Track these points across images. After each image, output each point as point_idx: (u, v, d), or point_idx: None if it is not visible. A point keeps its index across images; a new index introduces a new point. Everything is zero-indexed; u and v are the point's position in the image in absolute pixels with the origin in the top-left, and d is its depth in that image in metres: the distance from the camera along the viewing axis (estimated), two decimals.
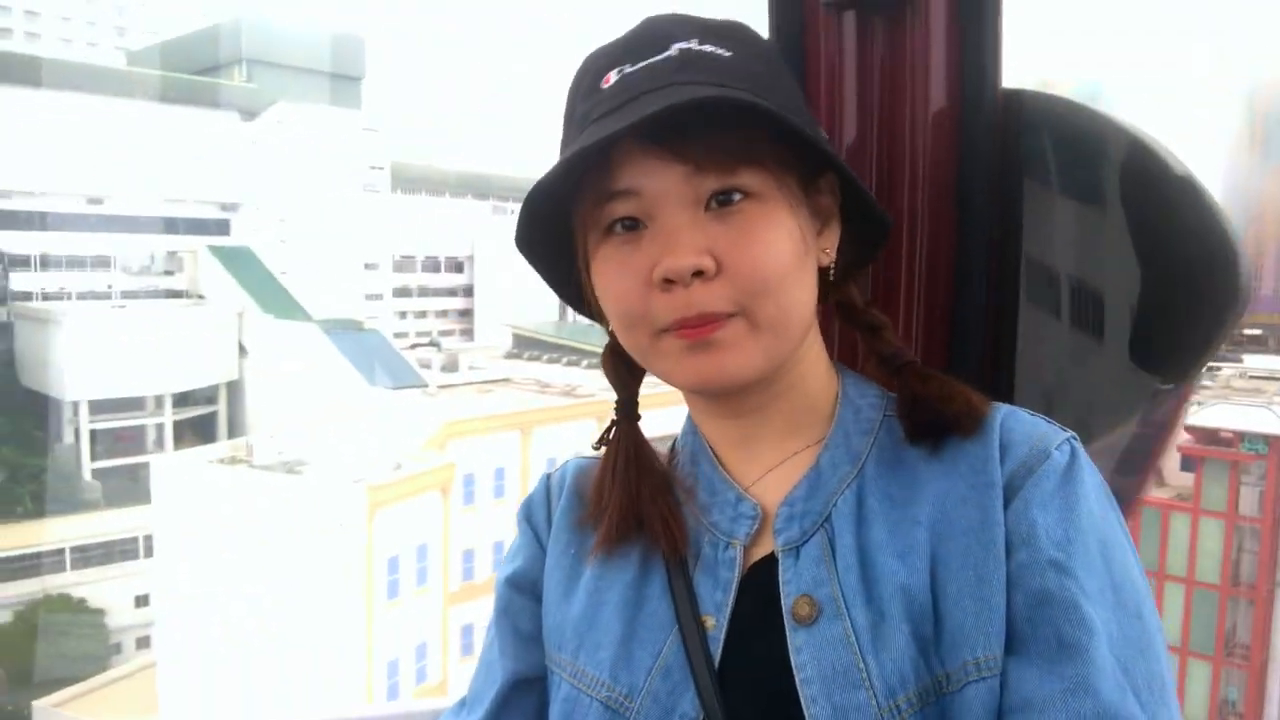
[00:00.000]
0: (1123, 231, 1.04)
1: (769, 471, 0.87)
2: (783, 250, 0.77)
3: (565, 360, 51.46)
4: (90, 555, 36.84)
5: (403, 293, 66.07)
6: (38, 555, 36.41)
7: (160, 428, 48.33)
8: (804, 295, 0.80)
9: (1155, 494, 27.58)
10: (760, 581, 0.82)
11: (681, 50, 0.77)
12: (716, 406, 0.88)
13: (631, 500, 0.88)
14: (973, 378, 0.99)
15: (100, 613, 35.72)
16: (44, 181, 48.87)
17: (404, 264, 65.61)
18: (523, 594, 0.95)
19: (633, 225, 0.78)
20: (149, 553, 37.62)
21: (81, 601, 35.58)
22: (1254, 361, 58.68)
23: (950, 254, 1.07)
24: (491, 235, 67.86)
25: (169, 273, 53.75)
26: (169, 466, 27.16)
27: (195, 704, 25.69)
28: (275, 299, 50.58)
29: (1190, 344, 1.02)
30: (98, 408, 45.74)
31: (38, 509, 40.65)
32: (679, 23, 0.80)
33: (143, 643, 36.82)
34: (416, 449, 27.98)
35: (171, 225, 53.74)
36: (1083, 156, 1.06)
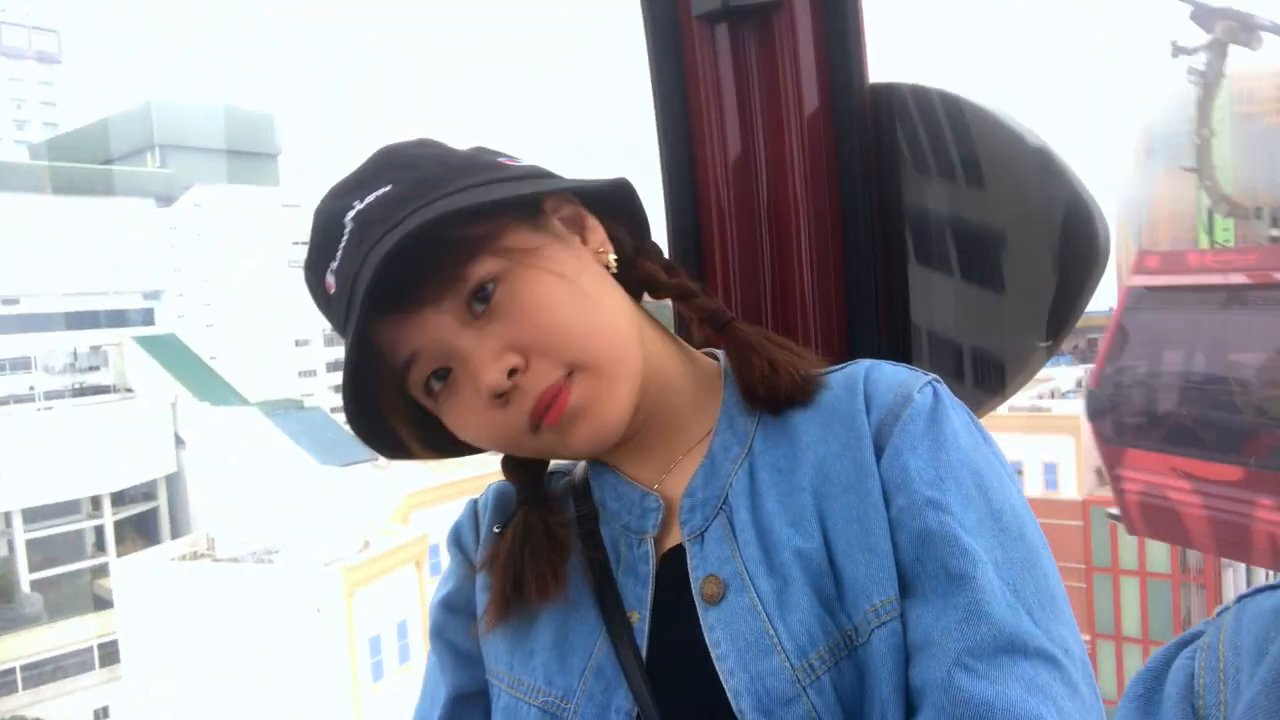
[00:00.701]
0: (990, 204, 1.12)
1: (669, 469, 0.89)
2: (560, 297, 0.79)
3: None
4: (42, 672, 35.19)
5: (336, 367, 65.26)
6: None
7: (100, 529, 46.60)
8: (615, 317, 0.82)
9: (1105, 492, 28.84)
10: (674, 572, 0.85)
11: (353, 217, 0.79)
12: None
13: (517, 577, 0.89)
14: (870, 354, 1.07)
15: None
16: None
17: (334, 338, 64.82)
18: (457, 614, 0.97)
19: (443, 374, 0.80)
20: (104, 662, 36.25)
21: None
22: None
23: (838, 241, 1.14)
24: None
25: (94, 368, 52.19)
26: (129, 570, 26.33)
27: None
28: (208, 385, 49.49)
29: (1060, 301, 1.08)
30: (31, 515, 43.93)
31: None
32: (336, 197, 0.82)
33: None
34: (382, 524, 27.75)
35: (92, 319, 52.32)
36: (950, 139, 1.12)
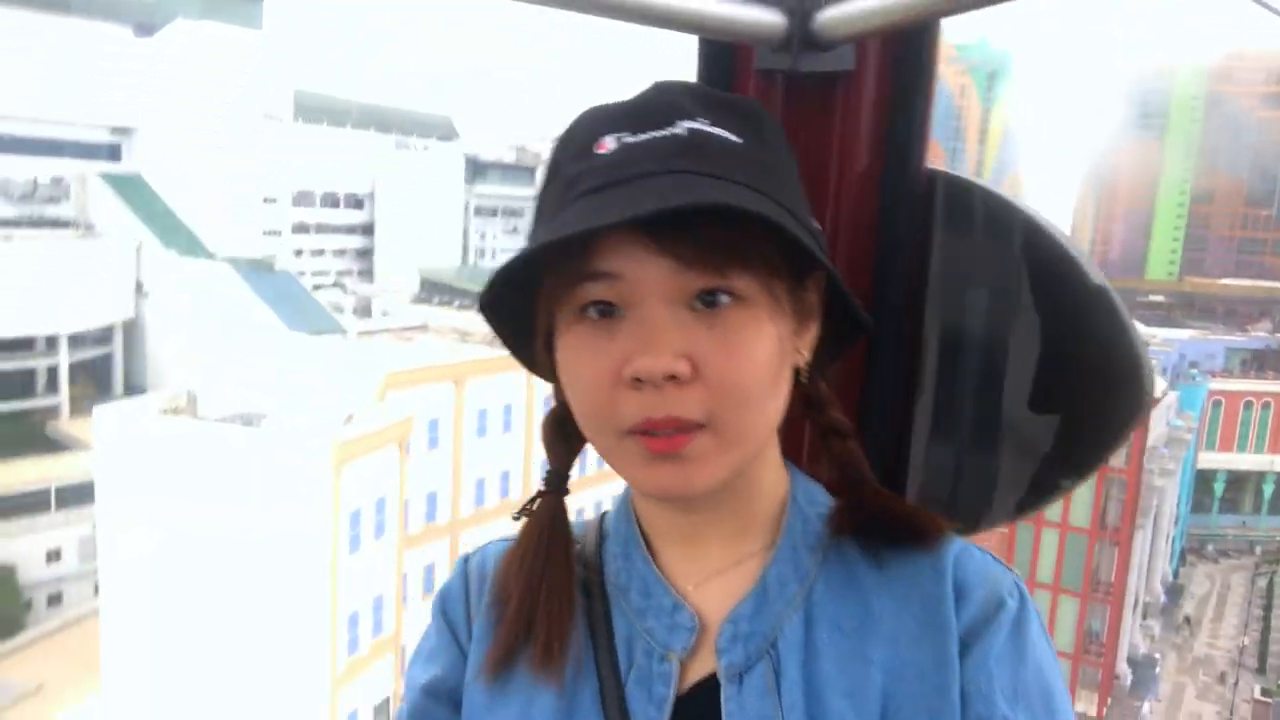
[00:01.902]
0: (1034, 333, 1.05)
1: (711, 577, 0.83)
2: (763, 361, 0.74)
3: (477, 307, 51.50)
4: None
5: (300, 229, 64.00)
6: None
7: (53, 370, 45.90)
8: (776, 405, 0.78)
9: None
10: (699, 702, 0.79)
11: (689, 130, 0.74)
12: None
13: (528, 601, 0.83)
14: (878, 452, 1.03)
15: (10, 569, 34.29)
16: None
17: (302, 199, 63.46)
18: (440, 704, 0.88)
19: (608, 310, 0.73)
20: (60, 505, 36.32)
21: None
22: None
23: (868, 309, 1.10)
24: (393, 172, 66.29)
25: (54, 200, 50.44)
26: (111, 417, 26.34)
27: (145, 664, 25.50)
28: (174, 233, 48.36)
29: (1091, 448, 1.03)
30: None
31: None
32: (690, 95, 0.77)
33: (54, 599, 35.67)
34: (367, 401, 28.07)
35: (56, 148, 50.27)
36: (999, 251, 1.06)
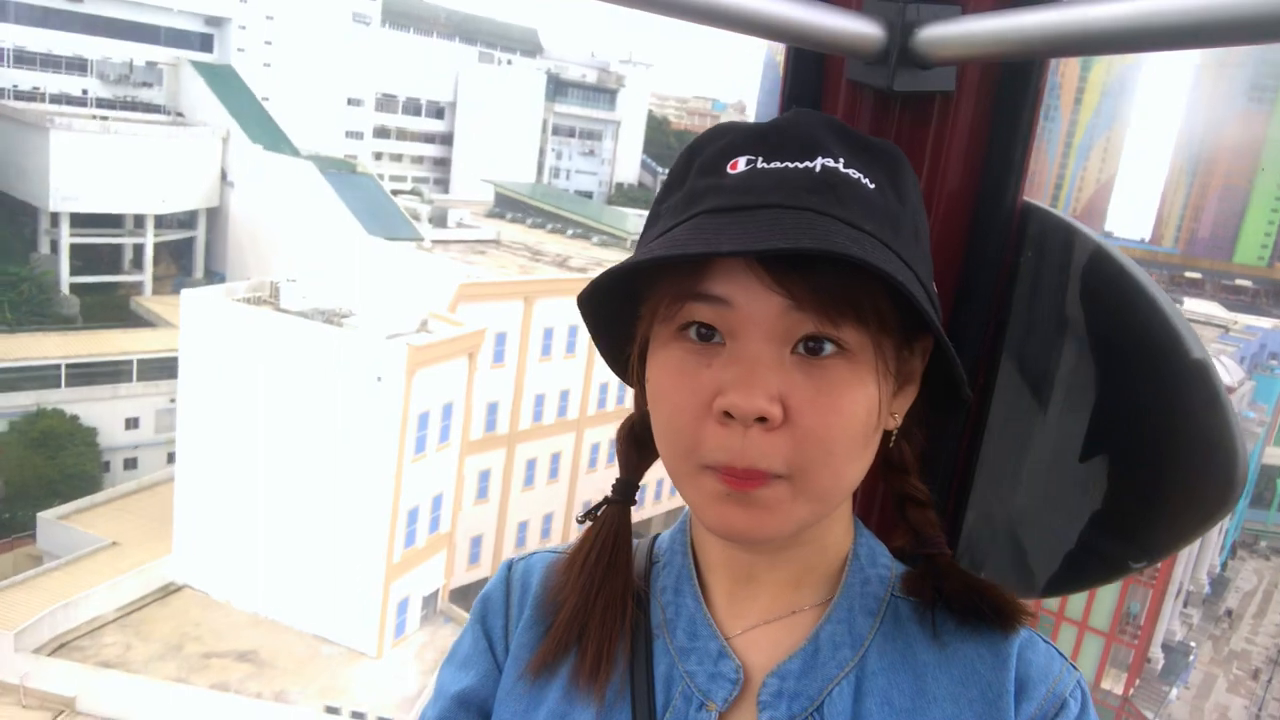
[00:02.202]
0: (1121, 399, 0.97)
1: (760, 625, 0.80)
2: (857, 419, 0.71)
3: (549, 226, 51.72)
4: (83, 374, 36.84)
5: (381, 134, 64.52)
6: (33, 369, 36.24)
7: (139, 248, 47.42)
8: (861, 466, 0.75)
9: None
10: None
11: (824, 168, 0.71)
12: None
13: (583, 606, 0.82)
14: (934, 494, 1.00)
15: (93, 431, 36.10)
16: None
17: (385, 103, 63.83)
18: (470, 714, 0.87)
19: (708, 335, 0.71)
20: (141, 376, 37.90)
21: (75, 419, 35.86)
22: (1191, 305, 62.16)
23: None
24: (476, 83, 66.20)
25: (147, 84, 51.46)
26: (196, 299, 27.32)
27: (213, 532, 26.84)
28: (261, 126, 49.10)
29: (1172, 532, 0.96)
30: (77, 221, 44.59)
31: (16, 319, 40.14)
32: (828, 129, 0.75)
33: (129, 464, 37.52)
34: (440, 309, 28.69)
35: (152, 34, 51.12)
36: (1090, 303, 0.99)
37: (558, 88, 71.27)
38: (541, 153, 71.36)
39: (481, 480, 32.68)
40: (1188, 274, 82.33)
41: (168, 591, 27.61)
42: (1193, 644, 44.11)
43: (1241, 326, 55.29)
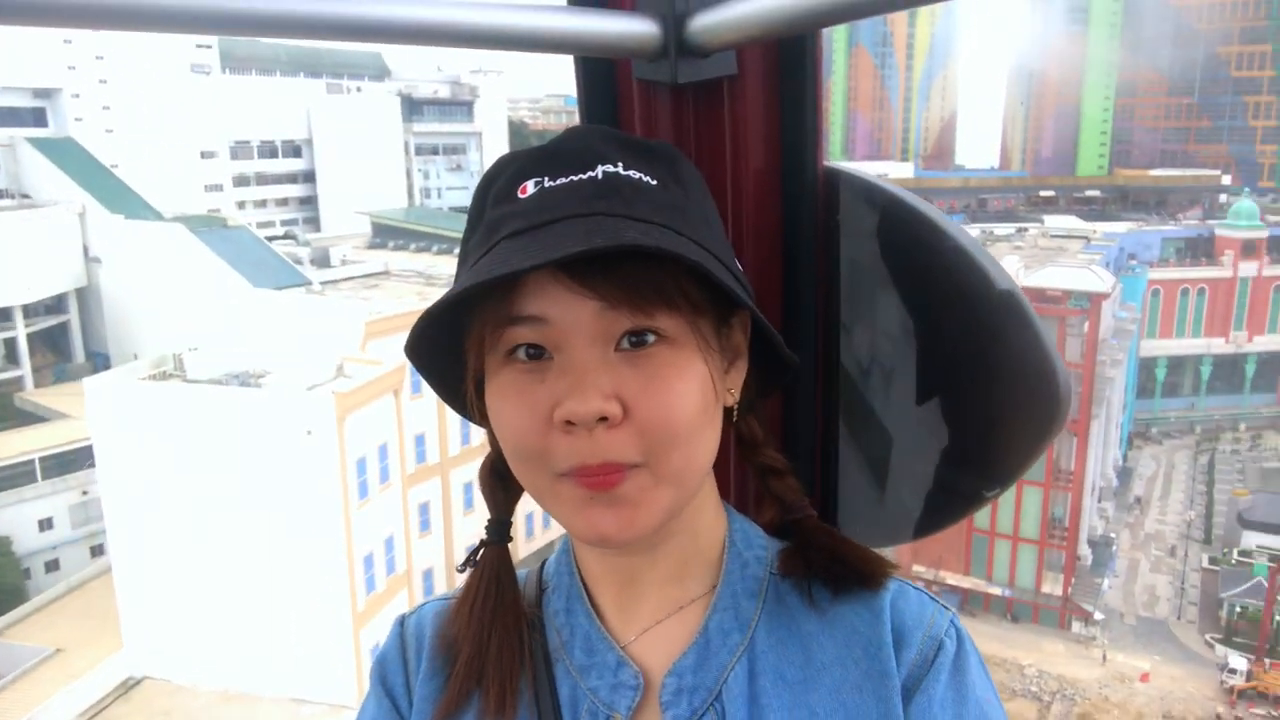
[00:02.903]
0: (943, 341, 1.01)
1: (652, 626, 0.82)
2: (693, 399, 0.73)
3: (435, 248, 51.21)
4: None
5: (241, 181, 62.49)
6: None
7: (11, 342, 44.81)
8: (710, 443, 0.77)
9: None
10: None
11: (606, 174, 0.74)
12: None
13: (479, 650, 0.83)
14: (806, 470, 1.06)
15: (7, 540, 34.15)
16: None
17: (240, 150, 61.82)
18: None
19: (536, 354, 0.73)
20: (45, 474, 36.02)
21: None
22: (1052, 221, 65.87)
23: (777, 323, 1.06)
24: (328, 115, 64.79)
25: None
26: (100, 386, 26.22)
27: (163, 620, 25.91)
28: (119, 196, 47.00)
29: (1012, 456, 0.98)
30: None
31: None
32: (605, 139, 0.78)
33: (51, 565, 35.66)
34: (350, 350, 28.31)
35: None
36: (902, 254, 1.02)
37: (412, 107, 70.40)
38: (409, 175, 70.40)
39: (422, 513, 32.39)
40: (1041, 193, 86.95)
41: (128, 687, 26.61)
42: (1113, 535, 47.13)
43: (1100, 234, 58.86)
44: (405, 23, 0.74)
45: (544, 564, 0.90)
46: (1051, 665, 37.44)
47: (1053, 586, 40.72)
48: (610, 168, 0.75)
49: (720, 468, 0.85)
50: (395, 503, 26.97)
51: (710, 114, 1.02)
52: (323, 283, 40.64)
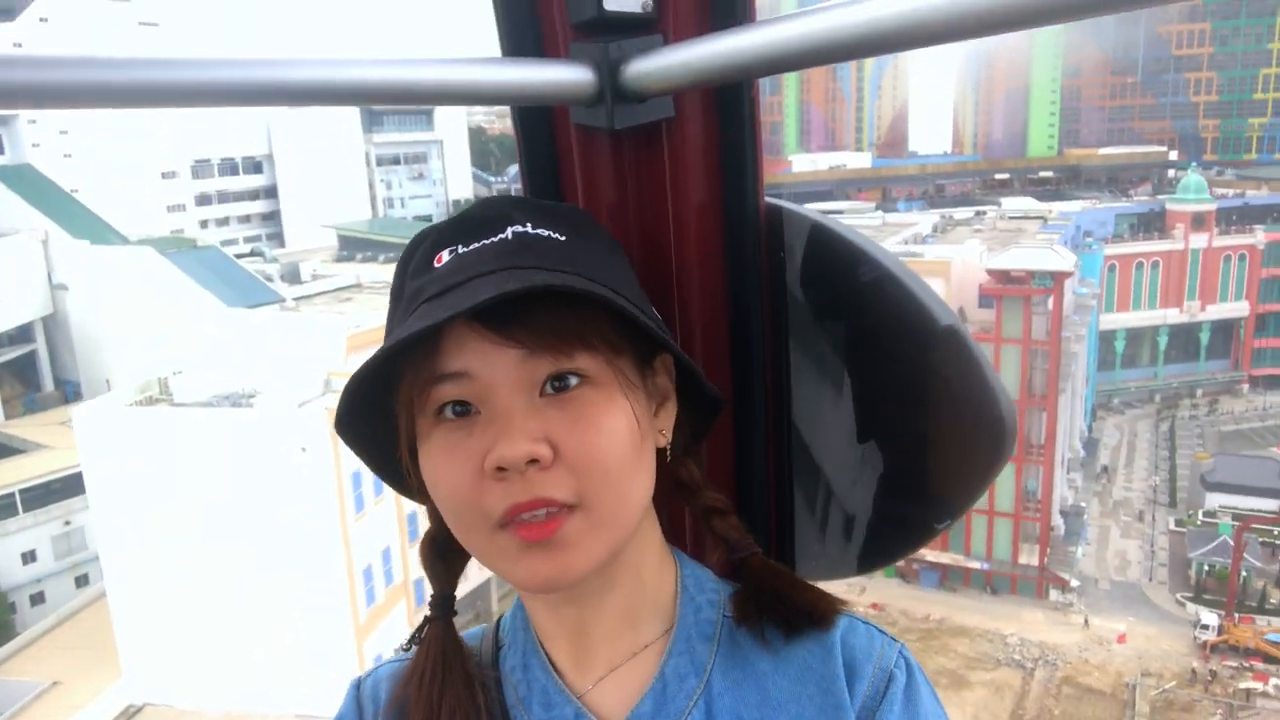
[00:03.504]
0: (890, 374, 1.02)
1: (608, 674, 0.83)
2: (621, 436, 0.74)
3: None
4: None
5: (203, 200, 61.98)
6: None
7: None
8: (643, 481, 0.78)
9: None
10: None
11: (516, 234, 0.77)
12: (551, 594, 0.82)
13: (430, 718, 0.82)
14: (758, 500, 1.08)
15: None
16: None
17: (201, 169, 61.32)
18: None
19: (463, 410, 0.74)
20: (28, 506, 35.70)
21: None
22: (1009, 204, 67.17)
23: (727, 376, 1.07)
24: (288, 129, 64.46)
25: None
26: (88, 414, 26.18)
27: (161, 647, 25.95)
28: (82, 221, 46.52)
29: (961, 488, 1.00)
30: None
31: None
32: (514, 205, 0.81)
33: (37, 599, 35.35)
34: (334, 366, 28.47)
35: None
36: (848, 291, 1.02)
37: (372, 118, 70.19)
38: (371, 186, 70.19)
39: (410, 523, 32.62)
40: (996, 176, 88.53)
41: (129, 716, 26.59)
42: (1083, 505, 48.41)
43: (1056, 214, 60.25)
44: (347, 84, 0.76)
45: (500, 621, 0.92)
46: (1032, 633, 38.51)
47: (1029, 558, 41.83)
48: (519, 228, 0.78)
49: (668, 512, 0.89)
50: (390, 514, 27.22)
51: (649, 157, 1.02)
52: (296, 298, 40.60)
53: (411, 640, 0.88)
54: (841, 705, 0.79)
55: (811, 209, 1.07)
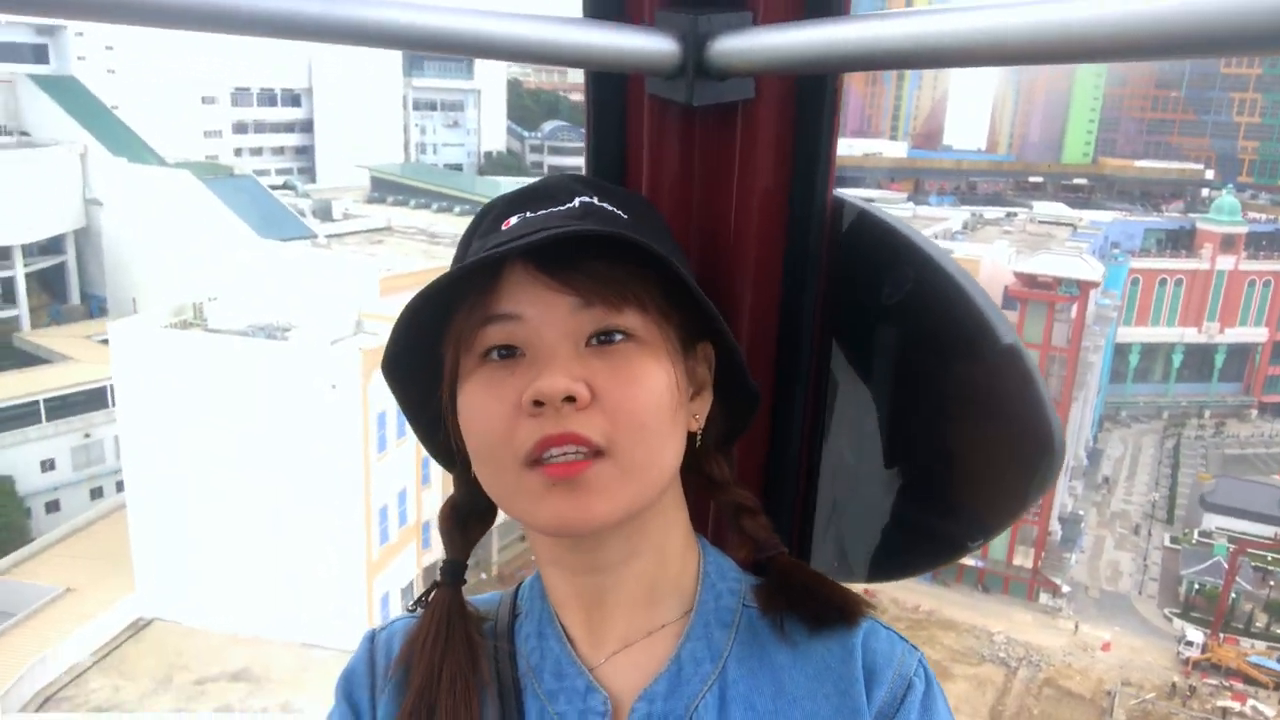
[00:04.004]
0: (942, 386, 0.99)
1: (622, 649, 0.83)
2: (659, 393, 0.76)
3: (435, 206, 51.47)
4: None
5: (239, 129, 62.11)
6: None
7: (9, 281, 44.74)
8: (673, 445, 0.79)
9: None
10: None
11: (583, 203, 0.80)
12: (571, 558, 0.83)
13: (429, 681, 0.83)
14: (787, 492, 1.07)
15: (10, 479, 34.55)
16: None
17: (240, 97, 61.38)
18: None
19: (509, 354, 0.76)
20: (51, 416, 36.37)
21: None
22: (1040, 208, 66.91)
23: (771, 353, 1.05)
24: (330, 65, 64.41)
25: None
26: (124, 330, 26.69)
27: (176, 565, 26.64)
28: (121, 139, 46.75)
29: (1001, 509, 0.97)
30: None
31: None
32: (581, 181, 0.84)
33: (51, 506, 36.14)
34: (368, 307, 28.88)
35: None
36: (907, 296, 0.99)
37: (413, 62, 70.05)
38: (406, 130, 70.19)
39: (424, 466, 33.23)
40: (1030, 179, 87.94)
41: (138, 628, 27.35)
42: (1081, 513, 48.91)
43: (1087, 222, 60.27)
44: (423, 30, 0.74)
45: (518, 588, 0.93)
46: (1019, 633, 39.15)
47: (1024, 559, 42.40)
48: (586, 198, 0.81)
49: (695, 508, 0.90)
50: (409, 457, 27.78)
51: (722, 137, 1.00)
52: (328, 236, 40.90)
53: (418, 602, 0.89)
54: (858, 708, 0.80)
55: (881, 207, 1.06)
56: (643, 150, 1.02)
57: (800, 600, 0.82)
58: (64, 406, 36.42)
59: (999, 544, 42.54)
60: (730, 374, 0.85)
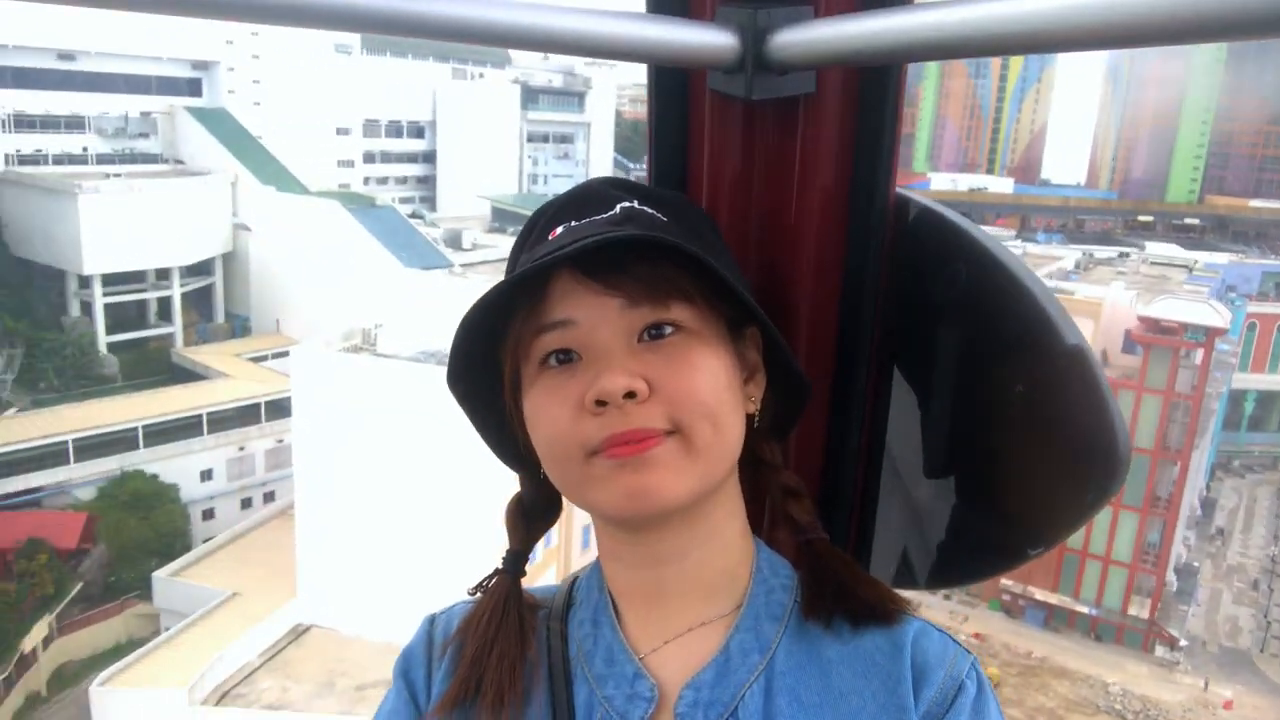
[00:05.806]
0: (1005, 389, 0.97)
1: (673, 639, 0.85)
2: (717, 377, 0.79)
3: None
4: (158, 433, 37.69)
5: (368, 159, 65.11)
6: (110, 433, 36.94)
7: (166, 300, 47.88)
8: (735, 424, 0.81)
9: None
10: None
11: (624, 208, 0.83)
12: (633, 550, 0.86)
13: (479, 656, 0.88)
14: (844, 491, 1.07)
15: (175, 488, 37.09)
16: (10, 34, 45.66)
17: (370, 128, 64.41)
18: None
19: (566, 358, 0.80)
20: (211, 429, 38.88)
21: (156, 478, 36.80)
22: (1153, 249, 65.85)
23: (830, 362, 1.05)
24: (452, 99, 67.12)
25: (143, 135, 51.63)
26: (305, 353, 28.69)
27: (337, 577, 28.29)
28: (269, 168, 49.70)
29: (1063, 518, 0.96)
30: (108, 281, 44.97)
31: (63, 383, 40.63)
32: (620, 186, 0.87)
33: (207, 514, 38.61)
34: None
35: (143, 84, 51.22)
36: (971, 295, 0.98)
37: (529, 95, 72.43)
38: (520, 161, 72.49)
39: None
40: (1140, 218, 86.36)
41: (298, 633, 29.04)
42: (1196, 564, 47.88)
43: (1202, 265, 59.15)
44: (488, 24, 0.75)
45: (576, 579, 0.96)
46: (1135, 686, 38.59)
47: (1139, 609, 41.78)
48: (627, 203, 0.85)
49: (750, 508, 0.92)
50: None
51: (783, 131, 1.00)
52: (463, 265, 42.68)
53: (478, 587, 0.94)
54: (905, 707, 0.80)
55: (944, 205, 1.04)
56: (704, 145, 1.04)
57: (836, 597, 0.85)
58: (221, 420, 38.85)
59: (1114, 591, 42.05)
60: (777, 361, 0.90)
